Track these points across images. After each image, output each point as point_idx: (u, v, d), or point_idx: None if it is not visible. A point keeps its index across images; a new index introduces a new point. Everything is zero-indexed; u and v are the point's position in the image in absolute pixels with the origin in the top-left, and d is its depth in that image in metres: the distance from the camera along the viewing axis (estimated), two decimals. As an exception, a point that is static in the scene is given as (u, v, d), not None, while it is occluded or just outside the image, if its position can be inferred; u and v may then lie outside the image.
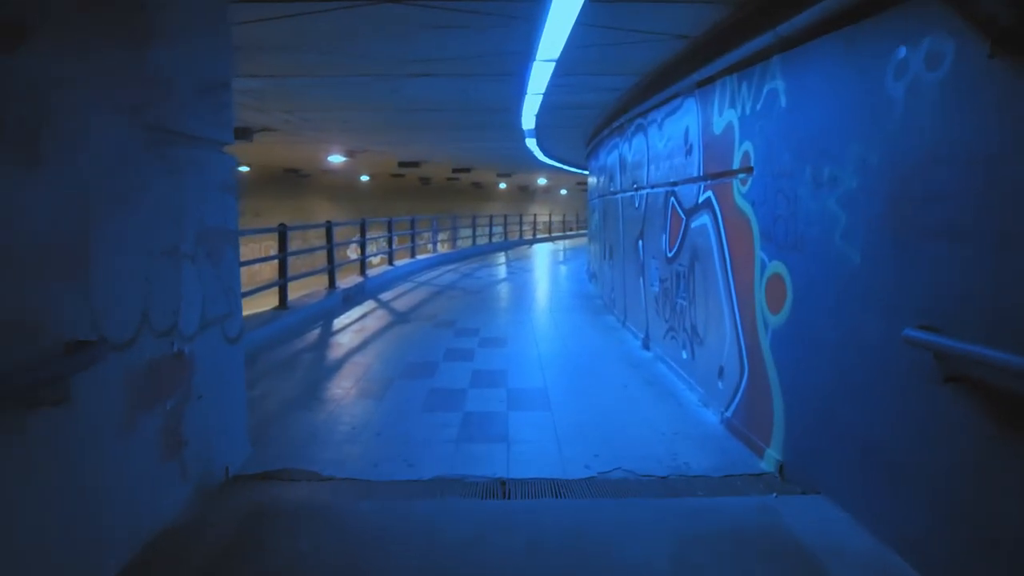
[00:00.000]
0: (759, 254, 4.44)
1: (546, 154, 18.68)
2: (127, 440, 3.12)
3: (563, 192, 46.64)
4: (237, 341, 4.48)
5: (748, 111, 4.64)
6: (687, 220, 6.15)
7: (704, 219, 5.63)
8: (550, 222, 37.24)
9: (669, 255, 6.79)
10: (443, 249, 22.88)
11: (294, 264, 23.74)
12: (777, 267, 4.16)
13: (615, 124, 9.65)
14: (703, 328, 5.72)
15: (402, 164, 22.89)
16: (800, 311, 3.90)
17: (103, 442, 2.92)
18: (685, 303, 6.25)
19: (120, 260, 3.06)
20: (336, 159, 18.85)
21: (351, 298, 12.43)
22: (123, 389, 3.07)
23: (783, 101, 4.10)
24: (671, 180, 6.70)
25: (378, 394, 6.17)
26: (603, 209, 12.10)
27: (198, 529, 3.37)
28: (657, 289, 7.32)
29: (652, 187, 7.57)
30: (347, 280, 13.51)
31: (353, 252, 18.56)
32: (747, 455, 4.52)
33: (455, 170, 27.43)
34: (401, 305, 12.14)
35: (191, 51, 3.75)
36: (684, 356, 6.26)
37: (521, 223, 31.33)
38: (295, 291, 12.74)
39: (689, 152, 6.06)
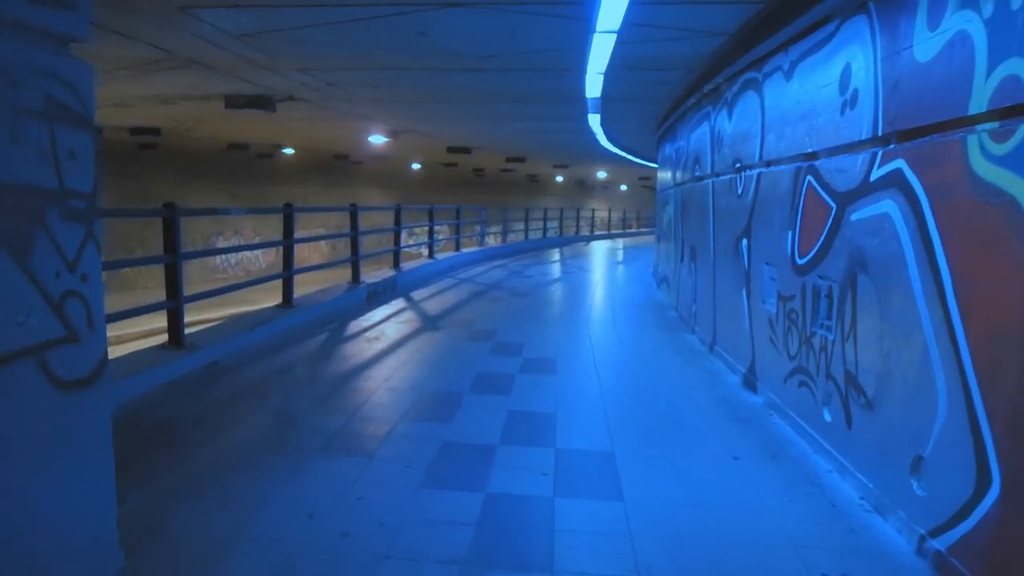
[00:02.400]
0: (1053, 268, 2.31)
1: (611, 141, 16.49)
2: None
3: (623, 188, 44.03)
4: (89, 384, 2.59)
5: (1019, 2, 2.51)
6: (840, 209, 4.01)
7: (884, 205, 3.49)
8: (609, 219, 34.85)
9: (800, 261, 4.64)
10: (492, 243, 20.97)
11: (343, 251, 22.33)
12: (1121, 298, 2.03)
13: (705, 89, 7.49)
14: (873, 381, 3.58)
15: (451, 150, 21.03)
16: None
17: None
18: (831, 336, 4.10)
19: None
20: (378, 139, 17.03)
21: (377, 295, 10.62)
22: None
23: None
24: (807, 151, 4.56)
25: (367, 449, 4.24)
26: (681, 200, 9.90)
27: None
28: (773, 309, 5.17)
29: (768, 165, 5.42)
30: (376, 274, 11.70)
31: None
32: (1002, 647, 2.41)
33: (509, 160, 25.45)
34: (434, 307, 10.22)
35: None
36: (828, 418, 4.11)
37: (578, 218, 29.13)
38: (329, 280, 11.01)
39: (851, 103, 3.91)
